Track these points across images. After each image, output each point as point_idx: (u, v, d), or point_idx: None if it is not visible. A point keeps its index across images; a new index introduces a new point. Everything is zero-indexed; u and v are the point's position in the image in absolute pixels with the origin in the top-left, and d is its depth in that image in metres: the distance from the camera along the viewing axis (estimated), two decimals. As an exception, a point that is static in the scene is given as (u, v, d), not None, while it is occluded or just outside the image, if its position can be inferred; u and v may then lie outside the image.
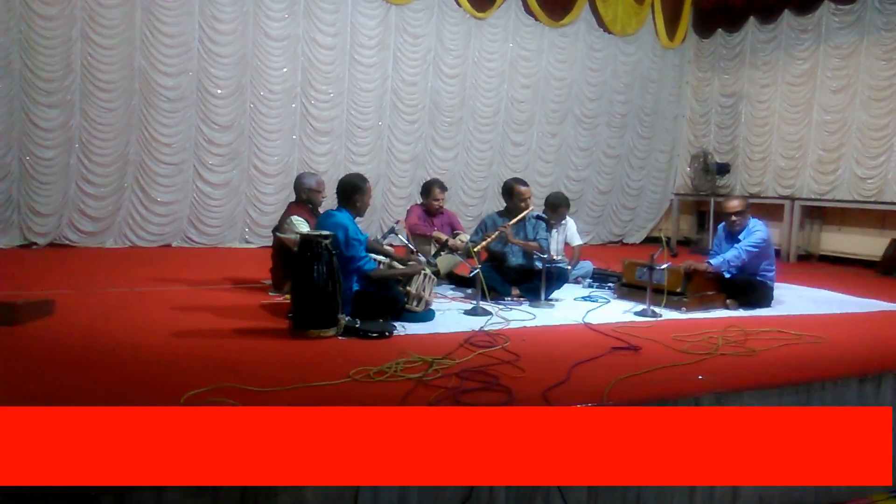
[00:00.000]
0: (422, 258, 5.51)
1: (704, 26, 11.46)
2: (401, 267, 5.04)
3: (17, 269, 6.66)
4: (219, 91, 8.79)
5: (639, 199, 11.89)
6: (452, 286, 6.42)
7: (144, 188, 8.60)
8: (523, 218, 5.95)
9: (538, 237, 5.95)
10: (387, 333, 4.37)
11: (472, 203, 10.54)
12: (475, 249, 5.66)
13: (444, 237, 6.43)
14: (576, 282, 6.96)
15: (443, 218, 6.83)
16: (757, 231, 5.90)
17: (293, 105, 9.22)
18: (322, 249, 4.27)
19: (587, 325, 5.06)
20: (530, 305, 5.70)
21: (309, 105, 9.29)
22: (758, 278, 5.99)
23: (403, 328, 4.65)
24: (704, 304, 5.77)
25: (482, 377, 3.58)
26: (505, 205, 6.18)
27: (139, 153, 8.52)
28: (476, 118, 10.37)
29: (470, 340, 4.35)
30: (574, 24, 10.84)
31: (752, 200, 7.21)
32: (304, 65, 9.19)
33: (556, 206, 6.87)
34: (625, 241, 11.87)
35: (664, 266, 5.69)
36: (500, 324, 4.96)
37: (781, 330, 4.98)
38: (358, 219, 4.89)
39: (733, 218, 6.01)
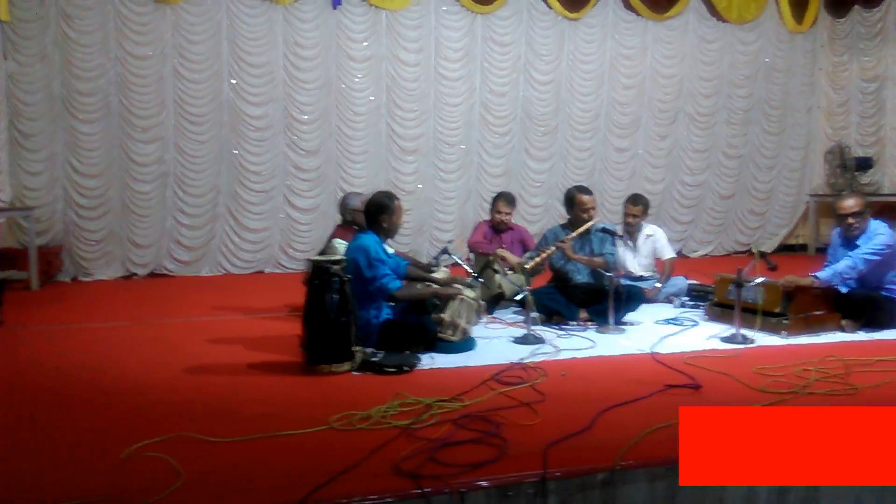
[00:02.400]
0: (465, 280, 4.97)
1: (837, 4, 10.07)
2: (434, 287, 4.56)
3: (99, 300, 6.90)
4: (304, 117, 8.78)
5: (769, 202, 10.62)
6: (517, 309, 5.85)
7: (236, 216, 8.72)
8: (587, 230, 5.29)
9: (604, 251, 5.26)
10: (405, 368, 3.93)
11: (574, 216, 9.83)
12: (527, 266, 5.11)
13: (508, 255, 5.86)
14: (667, 301, 6.15)
15: (512, 234, 6.29)
16: (879, 235, 4.88)
17: (379, 125, 9.05)
18: (333, 276, 3.91)
19: (654, 355, 4.33)
20: (597, 331, 5.03)
21: (394, 124, 9.08)
22: (882, 293, 4.94)
23: (432, 360, 4.19)
24: (812, 326, 4.83)
25: (482, 425, 3.04)
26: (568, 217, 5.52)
27: (230, 182, 8.67)
28: (573, 125, 9.71)
29: (498, 376, 3.80)
30: (682, 16, 9.89)
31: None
32: (388, 84, 9.00)
33: (631, 205, 6.14)
34: (753, 251, 10.59)
35: (757, 281, 4.82)
36: (549, 354, 4.36)
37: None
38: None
39: (849, 220, 5.01)
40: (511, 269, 5.77)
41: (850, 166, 9.00)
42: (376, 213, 4.44)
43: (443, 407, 3.26)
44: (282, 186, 8.84)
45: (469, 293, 4.64)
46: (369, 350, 4.14)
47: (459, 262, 5.53)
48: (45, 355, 4.47)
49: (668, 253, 6.34)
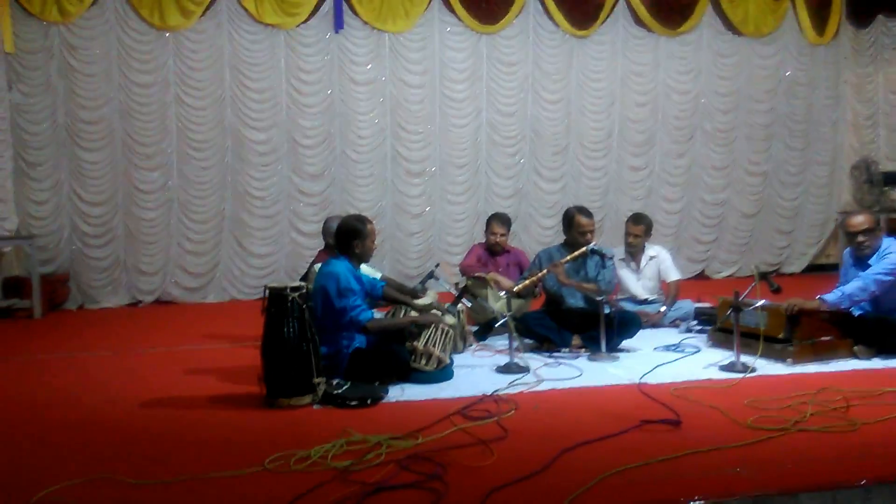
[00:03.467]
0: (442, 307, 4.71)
1: (860, 14, 9.66)
2: (406, 317, 4.33)
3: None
4: (308, 141, 8.69)
5: (796, 220, 10.16)
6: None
7: (241, 242, 8.64)
8: (583, 254, 5.00)
9: (599, 277, 4.97)
10: (369, 401, 3.70)
11: (587, 237, 9.52)
12: (515, 290, 4.85)
13: (501, 279, 5.61)
14: (673, 325, 5.82)
15: (508, 257, 6.04)
16: (891, 254, 4.51)
17: (384, 148, 8.91)
18: (291, 303, 3.71)
19: (641, 385, 4.03)
20: (588, 359, 4.74)
21: (400, 147, 8.93)
22: (899, 317, 4.56)
23: (402, 391, 3.95)
24: (820, 353, 4.47)
25: (427, 467, 2.79)
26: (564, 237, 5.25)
27: (234, 208, 8.59)
28: (584, 144, 9.43)
29: (465, 410, 3.55)
30: (695, 31, 9.58)
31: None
32: (393, 106, 8.86)
33: (633, 224, 5.88)
34: (781, 272, 10.16)
35: (756, 305, 4.48)
36: (529, 385, 4.09)
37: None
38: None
39: (859, 238, 4.66)
40: (469, 294, 5.48)
41: (878, 181, 8.54)
42: (348, 238, 4.24)
43: (392, 446, 3.02)
44: (287, 211, 8.74)
45: (449, 320, 4.40)
46: (335, 381, 3.92)
47: (447, 286, 5.30)
48: (12, 386, 4.36)
49: (674, 275, 6.01)
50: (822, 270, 9.99)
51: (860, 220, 4.66)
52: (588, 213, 5.17)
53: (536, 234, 9.35)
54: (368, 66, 8.75)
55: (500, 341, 5.32)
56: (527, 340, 5.13)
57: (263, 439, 3.22)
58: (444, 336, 4.24)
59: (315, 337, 3.78)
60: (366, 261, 4.36)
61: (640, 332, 5.23)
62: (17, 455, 3.12)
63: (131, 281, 8.36)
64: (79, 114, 8.04)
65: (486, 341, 5.23)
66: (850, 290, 4.46)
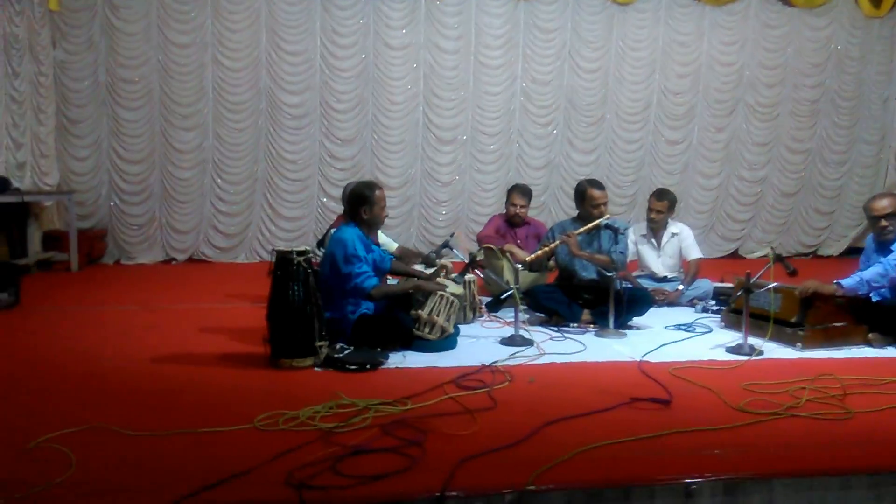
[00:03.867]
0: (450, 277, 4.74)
1: (921, -15, 9.19)
2: (408, 282, 4.38)
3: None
4: (341, 105, 8.73)
5: (837, 201, 9.86)
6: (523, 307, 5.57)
7: (272, 204, 8.78)
8: (597, 227, 4.96)
9: (612, 249, 4.92)
10: (368, 366, 3.78)
11: (619, 211, 9.36)
12: (527, 260, 4.86)
13: (517, 251, 5.59)
14: (690, 304, 5.74)
15: (528, 229, 6.02)
16: (914, 240, 4.34)
17: (415, 114, 8.90)
18: (296, 267, 3.79)
19: (641, 363, 4.01)
20: (595, 335, 4.73)
21: (431, 114, 8.90)
22: (920, 305, 4.41)
23: (403, 358, 4.02)
24: (832, 339, 4.37)
25: (409, 433, 2.85)
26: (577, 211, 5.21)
27: (266, 171, 8.72)
28: (621, 116, 9.26)
29: (459, 380, 3.60)
30: (743, 0, 9.25)
31: None
32: (426, 72, 8.82)
33: (656, 200, 5.80)
34: (818, 254, 9.90)
35: (769, 286, 4.39)
36: (530, 357, 4.12)
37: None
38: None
39: (882, 223, 4.51)
40: (474, 265, 5.45)
41: (926, 163, 8.20)
42: (356, 205, 4.28)
43: (380, 410, 3.09)
44: (317, 175, 8.84)
45: (455, 290, 4.43)
46: (340, 346, 4.01)
47: (462, 256, 5.32)
48: (33, 337, 4.56)
49: (695, 253, 5.91)
50: (861, 254, 9.68)
51: (884, 204, 4.50)
52: (600, 186, 5.11)
53: (567, 207, 9.24)
54: (403, 31, 8.70)
55: (510, 313, 5.32)
56: (537, 314, 5.15)
57: (260, 398, 3.32)
58: (448, 305, 4.27)
59: (319, 301, 3.86)
60: (377, 227, 4.40)
61: (655, 311, 5.21)
62: (24, 402, 3.29)
63: (166, 239, 8.59)
64: (119, 72, 8.22)
65: (497, 313, 5.24)
66: (868, 275, 4.33)
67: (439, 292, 4.26)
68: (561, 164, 9.25)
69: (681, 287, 5.78)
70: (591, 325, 4.91)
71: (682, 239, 5.93)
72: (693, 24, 9.21)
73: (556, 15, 8.96)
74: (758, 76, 9.42)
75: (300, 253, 3.83)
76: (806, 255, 9.85)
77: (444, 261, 5.22)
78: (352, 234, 4.21)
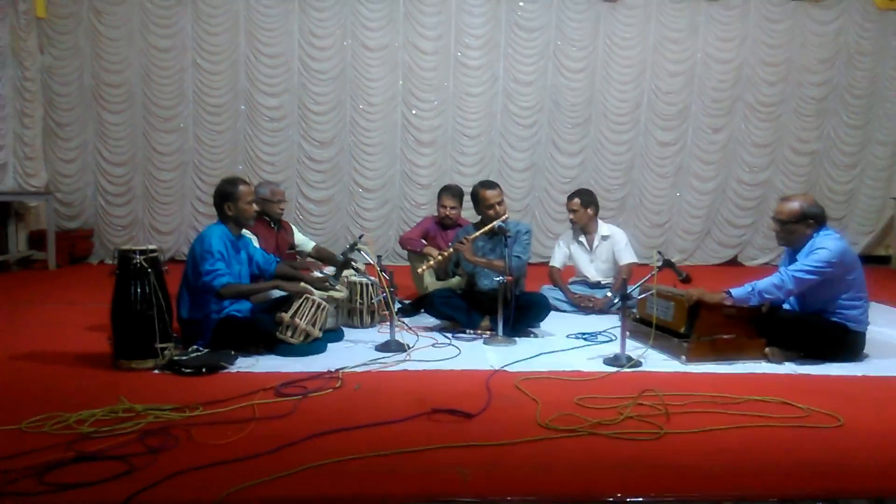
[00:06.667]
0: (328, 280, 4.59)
1: (939, -28, 8.47)
2: (265, 284, 4.26)
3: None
4: (318, 108, 8.73)
5: (848, 205, 9.20)
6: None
7: (252, 206, 8.82)
8: (492, 230, 4.73)
9: (512, 253, 4.66)
10: (204, 370, 3.69)
11: (608, 215, 9.02)
12: (419, 271, 4.69)
13: (435, 253, 5.39)
14: (617, 311, 5.40)
15: (460, 231, 5.80)
16: (820, 249, 3.92)
17: (394, 116, 8.80)
18: (136, 266, 3.75)
19: (495, 373, 3.78)
20: (485, 342, 4.50)
21: (410, 115, 8.79)
22: (829, 318, 3.99)
23: (255, 362, 3.92)
24: (721, 352, 4.01)
25: (160, 440, 2.74)
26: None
27: (245, 172, 8.78)
28: (608, 117, 8.90)
29: (280, 387, 3.45)
30: (742, -6, 8.77)
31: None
32: (405, 73, 8.72)
33: (568, 200, 5.59)
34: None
35: (647, 293, 4.07)
36: (387, 364, 3.94)
37: (788, 402, 3.22)
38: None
39: (773, 226, 4.13)
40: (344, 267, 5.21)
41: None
42: (220, 202, 4.21)
43: (160, 416, 2.99)
44: (295, 177, 8.86)
45: (335, 293, 4.31)
46: (194, 347, 3.95)
47: (370, 258, 5.17)
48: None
49: (627, 257, 5.56)
50: (876, 263, 9.01)
51: (784, 207, 4.09)
52: (493, 186, 4.85)
53: (551, 211, 8.98)
54: (381, 32, 8.63)
55: (426, 319, 5.12)
56: (435, 321, 4.96)
57: (61, 398, 3.26)
58: (314, 309, 4.14)
59: (163, 302, 3.80)
60: (245, 224, 4.29)
61: (575, 318, 4.95)
62: None
63: (148, 239, 8.76)
64: (103, 77, 8.47)
65: (406, 319, 5.07)
66: (762, 285, 3.93)
67: (306, 295, 4.14)
68: (545, 166, 8.97)
69: (609, 294, 5.46)
70: (489, 332, 4.67)
71: (615, 242, 5.61)
72: (686, 20, 8.79)
73: (540, 13, 8.71)
74: (758, 73, 8.90)
75: (141, 252, 3.79)
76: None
77: (357, 264, 5.09)
78: (214, 231, 4.15)
